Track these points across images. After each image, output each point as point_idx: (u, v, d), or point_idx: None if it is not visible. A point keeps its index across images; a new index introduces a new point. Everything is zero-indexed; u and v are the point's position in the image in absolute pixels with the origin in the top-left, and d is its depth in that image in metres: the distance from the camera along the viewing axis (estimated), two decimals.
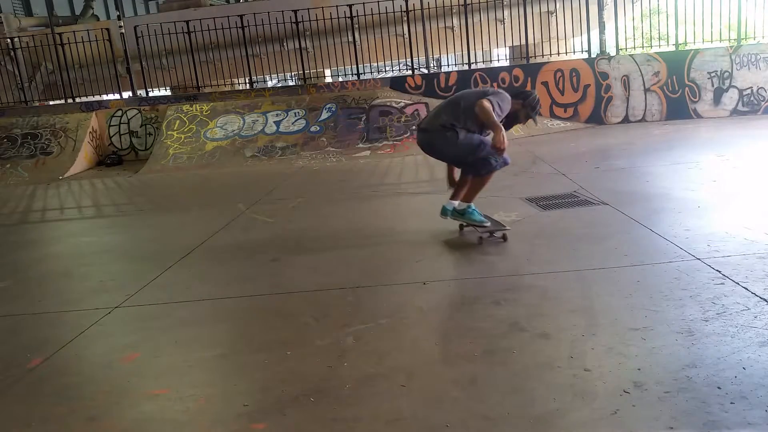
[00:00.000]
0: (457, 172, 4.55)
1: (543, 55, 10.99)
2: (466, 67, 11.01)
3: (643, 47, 11.19)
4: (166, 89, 14.80)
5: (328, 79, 13.34)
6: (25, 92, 12.58)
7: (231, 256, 4.65)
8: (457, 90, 9.49)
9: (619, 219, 4.56)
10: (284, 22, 11.30)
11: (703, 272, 3.28)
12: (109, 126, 11.29)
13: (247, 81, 11.57)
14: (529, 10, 11.05)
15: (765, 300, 2.86)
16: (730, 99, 10.20)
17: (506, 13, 12.29)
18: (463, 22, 11.08)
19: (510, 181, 6.16)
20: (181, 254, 4.65)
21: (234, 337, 3.13)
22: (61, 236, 6.25)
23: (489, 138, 4.16)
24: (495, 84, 10.04)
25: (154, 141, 10.86)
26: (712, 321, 2.70)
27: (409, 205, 6.15)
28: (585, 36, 11.39)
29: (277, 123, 10.43)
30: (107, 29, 11.92)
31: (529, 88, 10.40)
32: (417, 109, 10.16)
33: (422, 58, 11.60)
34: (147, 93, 12.18)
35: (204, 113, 10.74)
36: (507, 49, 14.79)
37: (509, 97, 4.24)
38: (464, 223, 4.50)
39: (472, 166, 4.28)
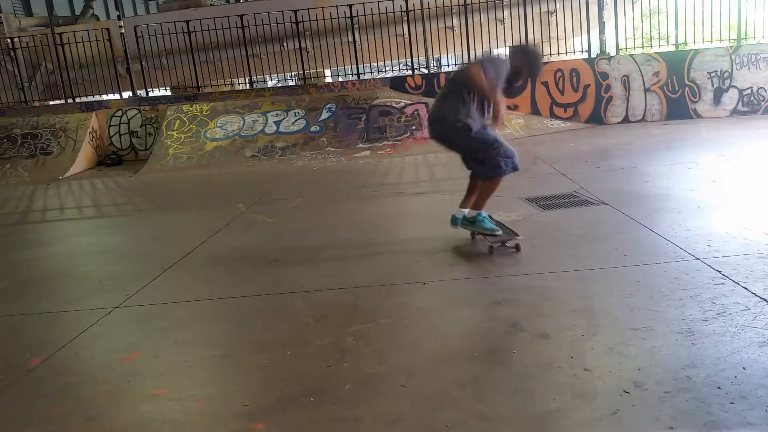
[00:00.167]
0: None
1: (543, 55, 10.96)
2: None
3: (643, 47, 11.18)
4: (166, 89, 14.81)
5: (328, 79, 13.33)
6: (25, 92, 12.58)
7: (231, 256, 4.65)
8: None
9: (619, 219, 4.56)
10: (284, 22, 11.30)
11: (703, 272, 3.28)
12: (109, 126, 11.29)
13: (247, 81, 11.57)
14: (529, 10, 11.05)
15: (765, 300, 2.86)
16: (730, 99, 10.20)
17: (506, 13, 12.28)
18: (463, 22, 11.08)
19: (510, 181, 6.13)
20: (181, 254, 4.65)
21: (234, 337, 3.13)
22: (61, 236, 6.25)
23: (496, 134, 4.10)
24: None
25: (154, 141, 10.86)
26: (712, 321, 2.70)
27: (409, 205, 6.15)
28: (585, 36, 11.39)
29: (277, 123, 10.43)
30: (107, 29, 11.92)
31: (529, 87, 10.42)
32: (417, 109, 10.16)
33: (422, 58, 11.60)
34: (147, 93, 12.18)
35: (204, 113, 10.74)
36: (507, 49, 14.77)
37: (504, 59, 4.09)
38: (475, 232, 4.37)
39: (482, 165, 4.13)
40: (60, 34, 11.83)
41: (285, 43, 12.51)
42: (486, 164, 4.11)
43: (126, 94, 11.81)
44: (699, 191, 5.20)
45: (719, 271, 3.25)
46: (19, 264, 4.97)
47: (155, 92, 13.70)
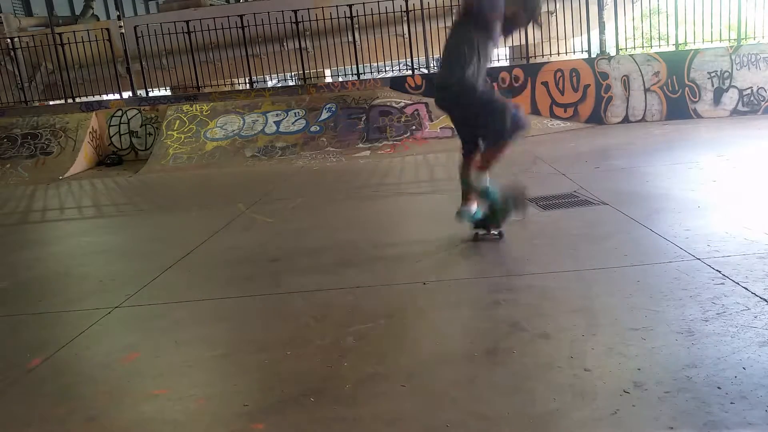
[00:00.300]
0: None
1: (543, 55, 10.98)
2: None
3: (643, 47, 11.18)
4: (166, 89, 14.81)
5: (328, 79, 13.34)
6: (25, 92, 12.59)
7: (231, 256, 4.65)
8: None
9: (619, 219, 4.56)
10: (284, 22, 11.30)
11: (703, 272, 3.28)
12: (109, 126, 11.29)
13: (247, 81, 11.57)
14: None
15: (765, 300, 2.86)
16: (730, 99, 10.20)
17: None
18: None
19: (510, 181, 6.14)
20: (181, 254, 4.65)
21: (234, 337, 3.13)
22: (61, 236, 6.25)
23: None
24: (495, 84, 10.03)
25: (154, 141, 10.86)
26: (712, 321, 2.70)
27: (410, 205, 6.15)
28: (585, 36, 11.39)
29: (277, 123, 10.43)
30: (107, 29, 11.93)
31: (529, 87, 10.42)
32: (417, 109, 10.16)
33: (422, 58, 11.60)
34: (147, 93, 12.19)
35: (204, 113, 10.74)
36: (507, 49, 14.79)
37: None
38: (479, 229, 4.27)
39: (490, 126, 3.95)
40: (60, 34, 11.83)
41: (285, 43, 12.52)
42: (496, 126, 3.93)
43: (126, 94, 11.81)
44: (699, 191, 5.20)
45: (719, 271, 3.25)
46: (19, 264, 4.97)
47: (155, 92, 13.71)
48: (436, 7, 11.44)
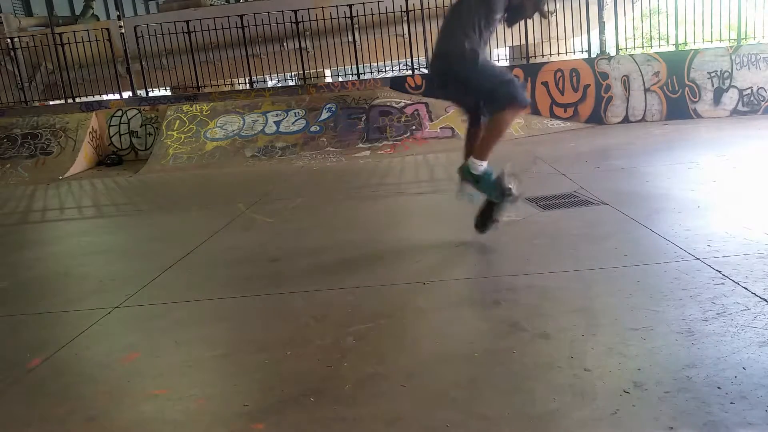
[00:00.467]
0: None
1: (543, 55, 10.99)
2: None
3: (643, 47, 11.18)
4: (166, 89, 14.81)
5: (328, 79, 13.34)
6: (25, 92, 12.58)
7: (231, 256, 4.65)
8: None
9: (619, 219, 4.56)
10: (284, 22, 11.30)
11: (703, 272, 3.28)
12: (109, 126, 11.29)
13: (247, 81, 11.57)
14: None
15: (765, 300, 2.86)
16: (730, 99, 10.19)
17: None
18: None
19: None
20: (181, 254, 4.65)
21: (234, 337, 3.13)
22: (61, 236, 6.25)
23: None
24: None
25: (154, 141, 10.86)
26: (712, 321, 2.70)
27: (410, 205, 6.15)
28: (585, 36, 11.39)
29: (277, 123, 10.43)
30: (107, 29, 11.93)
31: (529, 87, 10.42)
32: (417, 109, 10.16)
33: (422, 58, 11.60)
34: (147, 93, 12.19)
35: (204, 113, 10.74)
36: (507, 49, 14.78)
37: None
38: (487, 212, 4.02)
39: (493, 95, 3.77)
40: (60, 34, 11.83)
41: (285, 43, 12.51)
42: (497, 92, 3.77)
43: (126, 94, 11.81)
44: (699, 191, 5.20)
45: (719, 271, 3.25)
46: (19, 264, 4.97)
47: (155, 92, 13.71)
48: (436, 7, 11.42)
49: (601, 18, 10.77)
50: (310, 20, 11.39)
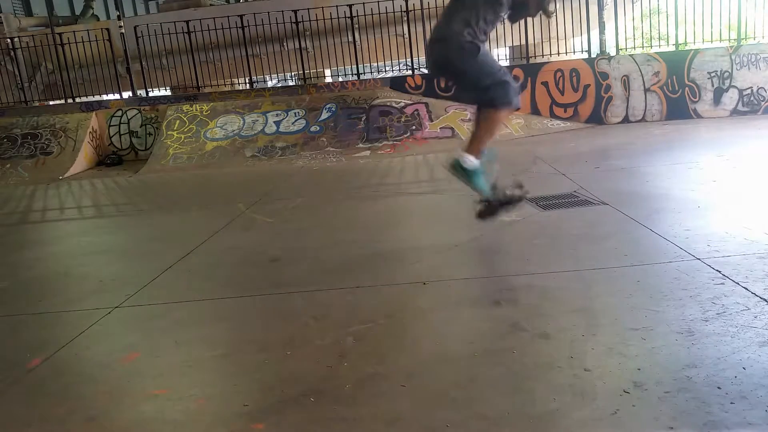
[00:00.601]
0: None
1: (543, 55, 10.99)
2: None
3: (643, 47, 11.18)
4: (166, 89, 14.81)
5: (328, 79, 13.34)
6: (25, 92, 12.58)
7: (231, 255, 4.65)
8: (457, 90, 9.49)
9: (619, 219, 4.56)
10: (284, 22, 11.30)
11: (703, 272, 3.28)
12: (109, 126, 11.29)
13: (247, 81, 11.57)
14: None
15: (765, 300, 2.86)
16: (730, 99, 10.19)
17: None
18: None
19: (510, 181, 6.15)
20: (181, 254, 4.65)
21: (234, 337, 3.13)
22: (61, 236, 6.25)
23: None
24: None
25: (154, 141, 10.86)
26: (712, 321, 2.70)
27: (410, 205, 6.15)
28: (585, 36, 11.39)
29: (277, 123, 10.43)
30: (107, 29, 11.92)
31: (529, 87, 10.42)
32: (417, 109, 10.16)
33: (422, 58, 11.59)
34: (147, 93, 12.19)
35: (204, 113, 10.74)
36: (507, 49, 14.78)
37: None
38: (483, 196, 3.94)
39: (487, 93, 3.70)
40: (60, 34, 11.83)
41: (285, 43, 12.51)
42: (491, 91, 3.69)
43: (126, 94, 11.81)
44: (699, 191, 5.20)
45: (719, 271, 3.25)
46: (19, 264, 4.97)
47: (155, 92, 13.71)
48: (436, 7, 11.42)
49: (601, 18, 10.77)
50: (310, 20, 11.39)
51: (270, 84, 15.68)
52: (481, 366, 2.54)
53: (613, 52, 10.86)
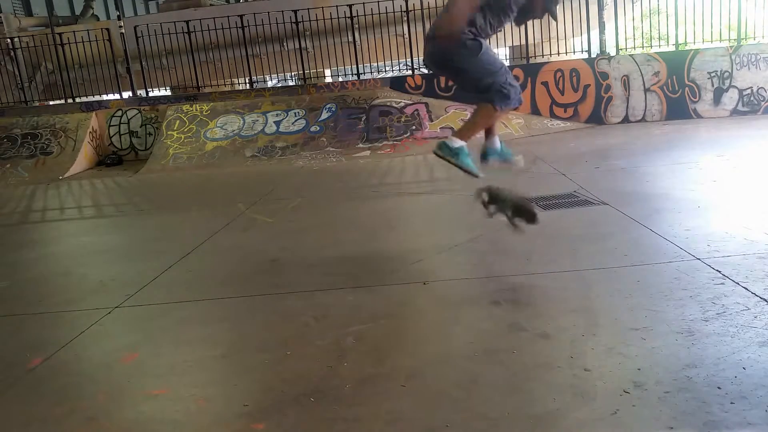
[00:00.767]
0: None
1: (543, 55, 10.99)
2: None
3: (643, 47, 11.18)
4: (166, 89, 14.81)
5: (328, 79, 13.34)
6: (25, 92, 12.58)
7: (231, 255, 4.65)
8: (457, 90, 9.50)
9: (619, 219, 4.56)
10: (284, 22, 11.30)
11: (703, 272, 3.28)
12: (109, 126, 11.29)
13: (247, 81, 11.57)
14: None
15: (765, 300, 2.86)
16: (730, 99, 10.20)
17: None
18: None
19: (510, 181, 6.14)
20: (181, 254, 4.65)
21: (234, 337, 3.13)
22: (61, 236, 6.25)
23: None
24: None
25: (154, 141, 10.86)
26: (712, 321, 2.70)
27: (410, 205, 6.14)
28: (585, 36, 11.39)
29: (277, 123, 10.43)
30: (107, 29, 11.92)
31: (529, 87, 10.42)
32: (417, 109, 10.16)
33: (422, 58, 11.58)
34: (147, 93, 12.19)
35: (204, 113, 10.75)
36: (507, 49, 14.78)
37: None
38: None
39: (487, 92, 3.57)
40: (60, 34, 11.83)
41: (285, 43, 12.51)
42: (491, 91, 3.56)
43: (126, 94, 11.81)
44: (699, 191, 5.20)
45: (719, 271, 3.25)
46: (19, 264, 4.97)
47: (155, 92, 13.71)
48: (436, 7, 11.42)
49: (601, 18, 10.77)
50: (310, 20, 11.39)
51: (270, 84, 15.69)
52: (481, 366, 2.54)
53: (613, 52, 10.86)
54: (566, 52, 11.79)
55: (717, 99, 10.23)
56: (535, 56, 10.98)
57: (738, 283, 3.07)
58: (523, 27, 10.72)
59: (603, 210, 4.87)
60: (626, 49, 11.12)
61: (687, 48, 10.90)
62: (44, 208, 7.87)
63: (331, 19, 11.60)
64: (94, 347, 3.12)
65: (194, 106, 10.86)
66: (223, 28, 11.52)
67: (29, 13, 21.67)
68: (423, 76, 10.81)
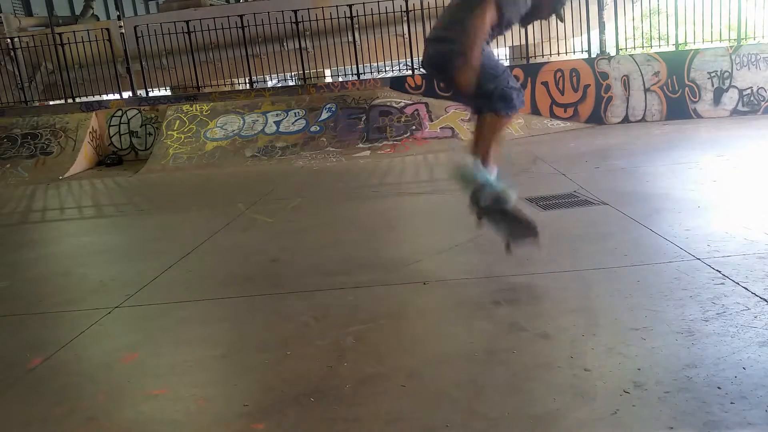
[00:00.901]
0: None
1: (543, 55, 10.98)
2: None
3: (643, 47, 11.18)
4: (166, 89, 14.81)
5: (328, 79, 13.34)
6: (25, 92, 12.58)
7: (231, 255, 4.65)
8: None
9: (619, 219, 4.56)
10: (284, 22, 11.30)
11: (703, 272, 3.28)
12: (109, 126, 11.29)
13: (247, 81, 11.57)
14: None
15: (765, 300, 2.86)
16: (730, 99, 10.19)
17: None
18: None
19: (510, 181, 6.14)
20: (181, 254, 4.65)
21: (234, 337, 3.13)
22: (61, 236, 6.25)
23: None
24: None
25: (154, 141, 10.86)
26: (712, 321, 2.70)
27: (410, 205, 6.14)
28: (585, 36, 11.39)
29: (277, 123, 10.43)
30: (107, 29, 11.92)
31: (529, 87, 10.42)
32: (417, 109, 10.16)
33: (420, 60, 11.59)
34: (147, 93, 12.19)
35: (204, 113, 10.74)
36: (507, 49, 14.78)
37: None
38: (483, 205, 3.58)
39: (489, 99, 3.46)
40: (60, 34, 11.83)
41: (285, 43, 12.51)
42: (493, 96, 3.44)
43: (126, 94, 11.81)
44: (699, 191, 5.20)
45: (719, 271, 3.25)
46: (19, 264, 4.97)
47: (155, 92, 13.71)
48: (436, 7, 11.42)
49: (601, 18, 10.77)
50: (310, 20, 11.39)
51: (270, 84, 15.69)
52: (481, 366, 2.54)
53: (613, 52, 10.86)
54: (566, 52, 11.78)
55: (717, 99, 10.23)
56: (535, 56, 10.97)
57: (738, 283, 3.07)
58: (523, 27, 10.72)
59: (603, 210, 4.87)
60: (626, 49, 11.12)
61: (687, 48, 10.90)
62: (44, 208, 7.87)
63: (331, 19, 11.60)
64: (94, 347, 3.12)
65: (194, 106, 10.86)
66: (223, 28, 11.52)
67: (29, 13, 21.67)
68: (423, 76, 10.81)
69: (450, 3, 3.77)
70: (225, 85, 12.37)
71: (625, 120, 10.46)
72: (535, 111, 10.54)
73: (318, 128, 10.20)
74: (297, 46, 11.45)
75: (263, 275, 4.08)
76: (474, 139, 3.61)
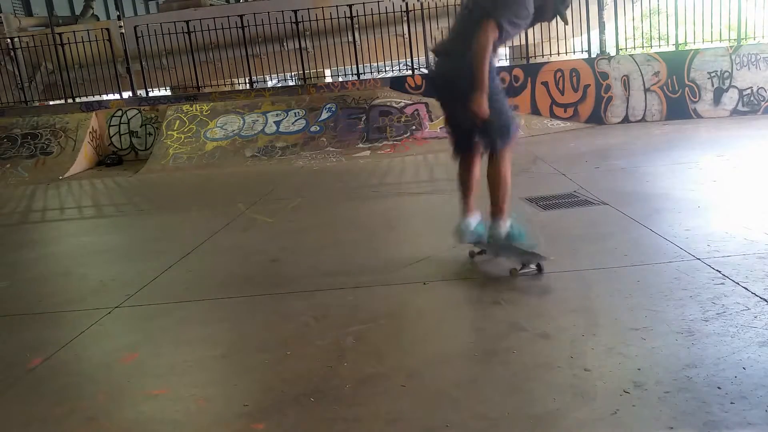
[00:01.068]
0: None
1: (543, 55, 10.98)
2: None
3: (643, 47, 11.18)
4: (166, 89, 14.81)
5: (328, 79, 13.33)
6: (25, 92, 12.58)
7: (231, 256, 4.65)
8: None
9: (619, 219, 4.56)
10: (284, 22, 11.30)
11: (703, 272, 3.28)
12: (109, 126, 11.28)
13: (247, 81, 11.57)
14: None
15: (765, 300, 2.86)
16: (730, 99, 10.19)
17: None
18: None
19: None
20: (181, 254, 4.65)
21: (234, 337, 3.13)
22: (61, 236, 6.25)
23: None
24: None
25: (154, 141, 10.86)
26: (712, 321, 2.70)
27: (410, 205, 6.14)
28: (585, 36, 11.39)
29: (277, 123, 10.43)
30: (107, 29, 11.92)
31: (529, 87, 10.42)
32: (417, 109, 10.16)
33: (422, 58, 11.59)
34: (147, 93, 12.18)
35: (204, 113, 10.74)
36: (507, 49, 14.77)
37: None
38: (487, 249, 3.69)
39: (487, 132, 3.46)
40: (60, 34, 11.83)
41: (285, 43, 12.51)
42: (491, 130, 3.45)
43: (126, 94, 11.81)
44: (699, 191, 5.20)
45: (719, 271, 3.25)
46: (19, 264, 4.97)
47: (155, 92, 13.70)
48: (436, 7, 11.44)
49: (601, 18, 10.76)
50: (310, 20, 11.39)
51: (270, 84, 15.68)
52: (481, 366, 2.54)
53: (613, 52, 10.86)
54: (566, 52, 11.78)
55: (717, 99, 10.22)
56: (535, 56, 10.97)
57: (738, 283, 3.07)
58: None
59: (603, 210, 4.87)
60: (626, 49, 11.12)
61: (687, 48, 10.90)
62: (44, 208, 7.87)
63: (331, 19, 11.60)
64: (94, 347, 3.12)
65: (194, 106, 10.86)
66: (223, 28, 11.51)
67: (29, 13, 21.67)
68: (423, 76, 10.80)
69: (457, 14, 3.76)
70: (225, 85, 12.37)
71: (625, 120, 10.45)
72: (535, 111, 10.54)
73: (318, 128, 10.20)
74: (297, 46, 11.45)
75: (263, 275, 4.08)
76: (491, 195, 3.60)
